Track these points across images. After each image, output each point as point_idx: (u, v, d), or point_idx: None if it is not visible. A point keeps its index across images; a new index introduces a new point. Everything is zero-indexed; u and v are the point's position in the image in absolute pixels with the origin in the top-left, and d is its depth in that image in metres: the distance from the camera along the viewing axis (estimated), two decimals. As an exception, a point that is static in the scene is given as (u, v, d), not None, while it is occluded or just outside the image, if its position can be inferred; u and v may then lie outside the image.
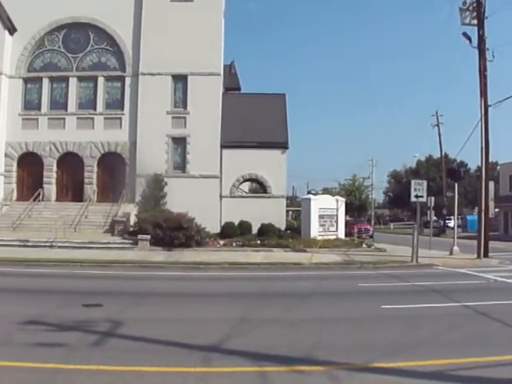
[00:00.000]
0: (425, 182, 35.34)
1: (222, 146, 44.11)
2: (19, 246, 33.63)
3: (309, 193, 67.37)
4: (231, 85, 56.36)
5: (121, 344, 10.70)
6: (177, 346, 10.54)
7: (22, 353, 9.83)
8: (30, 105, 46.59)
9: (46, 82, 46.36)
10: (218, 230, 40.47)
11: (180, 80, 45.06)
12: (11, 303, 15.47)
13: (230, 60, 59.97)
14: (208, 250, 34.64)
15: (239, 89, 59.19)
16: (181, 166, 44.97)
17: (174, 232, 34.52)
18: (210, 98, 44.26)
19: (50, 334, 11.43)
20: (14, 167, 46.14)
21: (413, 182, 35.46)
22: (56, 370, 8.72)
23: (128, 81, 45.66)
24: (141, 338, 11.09)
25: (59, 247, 33.23)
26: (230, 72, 57.66)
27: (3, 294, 17.24)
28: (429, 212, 49.88)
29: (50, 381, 8.32)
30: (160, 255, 31.33)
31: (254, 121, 44.76)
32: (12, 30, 45.94)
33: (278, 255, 32.51)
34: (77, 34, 46.65)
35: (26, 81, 46.79)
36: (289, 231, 41.87)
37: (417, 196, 33.58)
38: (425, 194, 34.51)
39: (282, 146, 44.86)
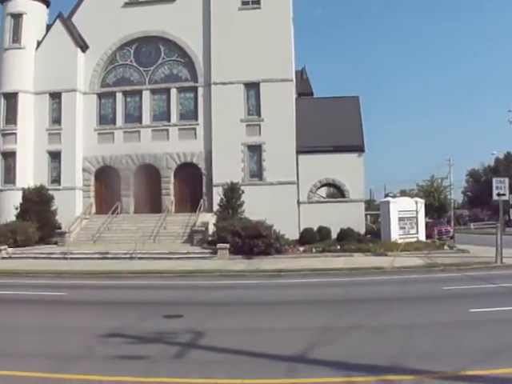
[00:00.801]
0: (506, 180, 34.15)
1: (298, 152, 43.82)
2: (99, 258, 34.04)
3: (386, 196, 66.30)
4: (303, 90, 56.09)
5: (202, 355, 10.47)
6: (260, 356, 10.22)
7: (103, 366, 9.78)
8: (105, 119, 47.52)
9: (119, 97, 47.17)
10: (296, 236, 40.08)
11: (252, 87, 45.05)
12: (92, 316, 15.59)
13: (302, 66, 59.84)
14: (288, 257, 34.27)
15: (312, 94, 58.80)
16: (257, 173, 44.87)
17: (253, 240, 34.21)
18: (284, 104, 44.11)
19: (131, 346, 11.34)
20: (92, 181, 47.04)
21: (494, 180, 34.34)
22: (137, 384, 8.59)
23: (200, 91, 45.98)
24: (222, 348, 10.84)
25: (139, 258, 33.43)
26: (301, 77, 57.41)
27: (85, 307, 17.40)
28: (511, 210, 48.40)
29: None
30: (240, 264, 31.08)
31: (328, 125, 44.21)
32: (84, 47, 47.11)
33: (359, 260, 31.90)
34: (148, 48, 47.42)
35: (100, 96, 47.72)
36: (368, 235, 41.30)
37: (499, 194, 32.56)
38: (507, 192, 33.44)
39: (358, 149, 44.21)
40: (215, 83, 44.87)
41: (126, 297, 19.76)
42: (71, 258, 34.15)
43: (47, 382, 8.93)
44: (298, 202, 43.59)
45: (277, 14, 44.86)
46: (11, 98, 46.98)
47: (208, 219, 41.13)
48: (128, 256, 34.28)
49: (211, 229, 39.19)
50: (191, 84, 46.54)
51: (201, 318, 14.46)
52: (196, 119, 46.17)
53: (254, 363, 9.82)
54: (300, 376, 8.91)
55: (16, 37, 47.38)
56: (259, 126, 44.76)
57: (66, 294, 20.34)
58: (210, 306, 17.27)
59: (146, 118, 46.89)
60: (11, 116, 46.90)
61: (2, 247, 36.33)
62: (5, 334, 13.00)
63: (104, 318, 14.95)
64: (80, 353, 10.81)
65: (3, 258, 35.58)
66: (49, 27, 48.47)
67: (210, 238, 38.26)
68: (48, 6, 49.98)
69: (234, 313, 15.89)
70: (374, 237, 40.31)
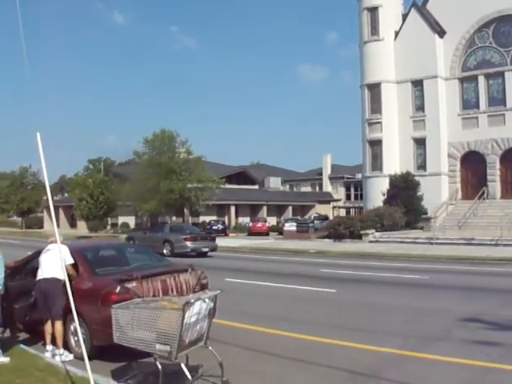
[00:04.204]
0: None
1: None
2: (464, 244, 34.09)
3: None
4: None
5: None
6: None
7: (457, 348, 10.06)
8: (468, 104, 47.29)
9: (481, 80, 46.58)
10: None
11: None
12: (452, 300, 15.92)
13: None
14: None
15: None
16: None
17: None
18: None
19: (487, 331, 11.44)
20: (458, 167, 47.27)
21: None
22: (488, 369, 8.72)
23: None
24: None
25: (504, 245, 32.77)
26: None
27: (445, 291, 17.70)
28: None
29: (480, 379, 8.39)
30: None
31: None
32: (441, 33, 47.44)
33: None
34: (506, 27, 45.99)
35: (462, 80, 47.62)
36: None
37: None
38: None
39: None
40: None
41: (484, 283, 19.47)
42: (436, 243, 34.72)
43: (399, 359, 9.51)
44: None
45: None
46: (374, 89, 49.34)
47: None
48: (493, 243, 33.74)
49: None
50: (555, 62, 44.24)
51: None
52: None
53: None
54: None
55: (374, 29, 49.62)
56: None
57: (428, 278, 20.93)
58: None
59: (510, 100, 45.58)
60: (376, 106, 49.20)
61: (370, 231, 38.30)
62: (365, 313, 14.06)
63: (463, 303, 15.18)
64: (437, 335, 11.26)
65: (370, 241, 37.56)
66: (404, 17, 49.83)
67: None
68: (402, -4, 51.33)
69: None
70: None
